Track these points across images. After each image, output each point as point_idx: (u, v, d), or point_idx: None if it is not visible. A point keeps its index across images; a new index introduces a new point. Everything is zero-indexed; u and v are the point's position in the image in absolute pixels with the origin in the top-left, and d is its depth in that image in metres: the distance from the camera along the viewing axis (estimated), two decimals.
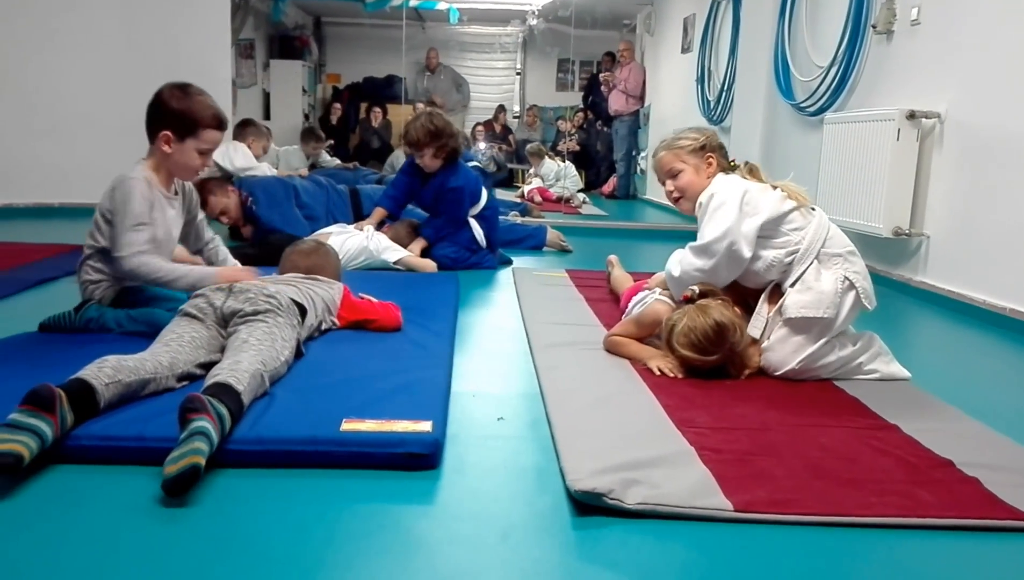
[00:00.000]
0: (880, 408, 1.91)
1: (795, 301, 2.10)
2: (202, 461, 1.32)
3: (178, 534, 1.23)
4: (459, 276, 3.47)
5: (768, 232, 2.16)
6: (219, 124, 2.29)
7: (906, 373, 2.17)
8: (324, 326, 2.29)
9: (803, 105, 4.75)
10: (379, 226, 3.88)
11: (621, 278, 3.11)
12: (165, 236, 2.31)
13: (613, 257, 3.38)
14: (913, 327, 3.19)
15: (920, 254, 3.63)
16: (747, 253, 2.14)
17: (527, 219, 5.64)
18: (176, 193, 2.38)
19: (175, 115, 2.24)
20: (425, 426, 1.55)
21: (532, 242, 4.65)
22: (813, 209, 2.22)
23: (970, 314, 3.19)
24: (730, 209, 2.14)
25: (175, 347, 1.80)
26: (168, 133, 2.24)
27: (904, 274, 3.73)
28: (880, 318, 3.11)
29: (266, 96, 9.93)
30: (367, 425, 1.55)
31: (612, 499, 1.33)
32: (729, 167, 2.35)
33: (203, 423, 1.37)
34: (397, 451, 1.48)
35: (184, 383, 1.75)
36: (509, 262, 4.02)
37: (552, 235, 4.68)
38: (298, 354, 2.00)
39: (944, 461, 1.58)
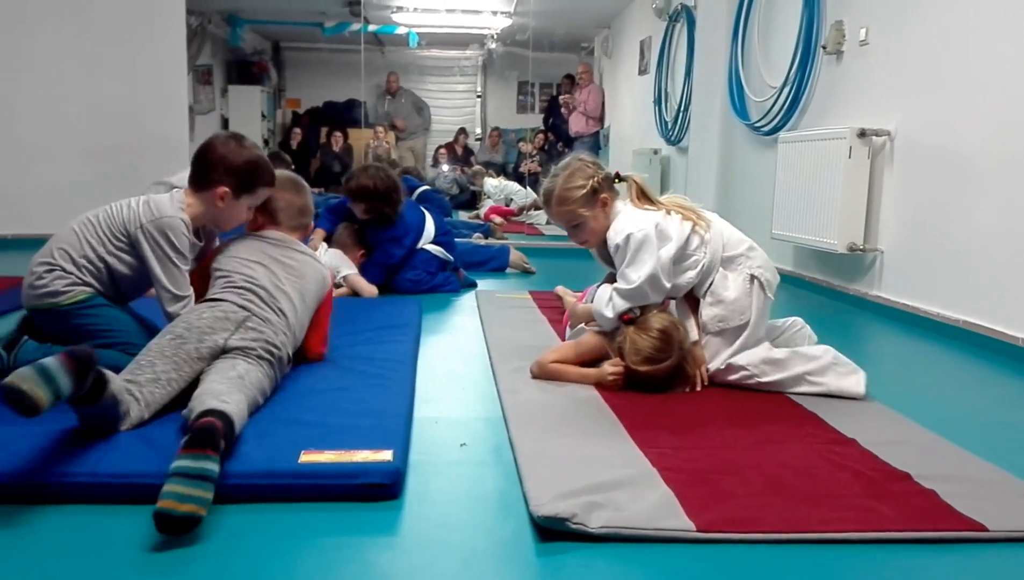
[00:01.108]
0: (838, 422, 1.93)
1: (711, 315, 2.21)
2: (204, 513, 1.30)
3: (132, 571, 1.19)
4: (422, 300, 3.46)
5: (675, 259, 2.20)
6: (273, 181, 2.20)
7: (860, 390, 2.15)
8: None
9: (757, 125, 4.84)
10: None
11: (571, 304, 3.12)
12: None
13: (559, 289, 3.39)
14: (869, 341, 3.25)
15: (875, 269, 3.70)
16: (668, 283, 2.19)
17: (490, 241, 5.65)
18: (200, 239, 2.21)
19: (237, 171, 2.11)
20: (386, 455, 1.53)
21: (495, 264, 4.65)
22: (707, 220, 2.27)
23: (924, 327, 3.25)
24: (650, 247, 2.17)
25: (151, 389, 1.72)
26: (227, 189, 2.11)
27: (860, 289, 3.80)
28: (837, 332, 3.16)
29: (225, 122, 9.83)
30: (326, 456, 1.52)
31: (575, 524, 1.33)
32: (616, 183, 2.32)
33: (215, 467, 1.35)
34: (357, 482, 1.46)
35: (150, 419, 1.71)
36: (474, 285, 4.01)
37: (515, 256, 4.69)
38: None
39: (902, 474, 1.61)
